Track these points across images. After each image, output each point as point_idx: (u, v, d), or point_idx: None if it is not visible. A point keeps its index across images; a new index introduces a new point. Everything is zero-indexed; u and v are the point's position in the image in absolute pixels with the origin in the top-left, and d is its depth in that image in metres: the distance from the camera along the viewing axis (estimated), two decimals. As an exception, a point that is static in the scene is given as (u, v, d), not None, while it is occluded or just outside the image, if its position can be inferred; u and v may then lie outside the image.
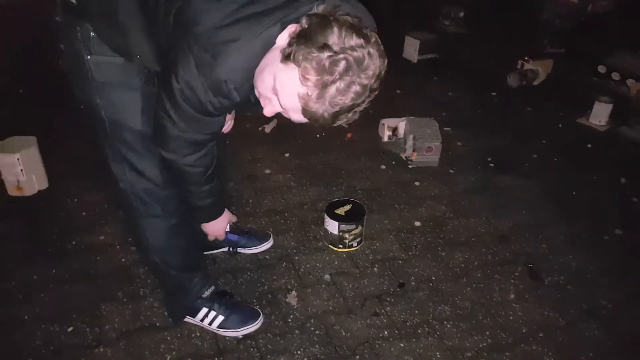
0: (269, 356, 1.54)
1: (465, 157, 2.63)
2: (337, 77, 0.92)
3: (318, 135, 2.71)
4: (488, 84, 3.44)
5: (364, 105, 0.99)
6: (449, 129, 2.85)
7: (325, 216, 1.93)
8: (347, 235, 1.92)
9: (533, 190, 2.38)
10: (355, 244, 1.96)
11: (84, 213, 2.11)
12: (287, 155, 2.53)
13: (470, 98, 3.27)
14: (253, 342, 1.58)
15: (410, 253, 1.97)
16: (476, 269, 1.91)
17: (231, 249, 1.88)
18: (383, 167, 2.50)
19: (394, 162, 2.53)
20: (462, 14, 4.52)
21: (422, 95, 3.27)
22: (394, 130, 2.62)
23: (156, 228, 1.43)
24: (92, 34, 1.15)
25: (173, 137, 1.19)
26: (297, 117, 1.00)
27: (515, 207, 2.26)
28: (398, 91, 3.27)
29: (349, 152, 2.60)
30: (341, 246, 1.94)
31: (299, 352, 1.56)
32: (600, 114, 3.01)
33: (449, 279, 1.86)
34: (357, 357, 1.55)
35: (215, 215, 1.48)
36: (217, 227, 1.52)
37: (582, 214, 2.24)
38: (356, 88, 0.94)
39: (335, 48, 0.91)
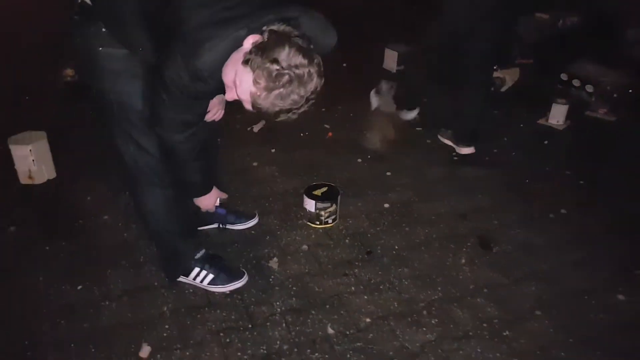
0: (252, 307, 1.82)
1: (433, 152, 2.93)
2: (280, 86, 1.21)
3: (302, 135, 3.03)
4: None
5: (301, 109, 1.28)
6: (420, 129, 3.17)
7: (304, 196, 2.23)
8: (323, 213, 2.21)
9: (491, 179, 2.68)
10: (330, 220, 2.25)
11: (88, 198, 2.40)
12: (273, 151, 2.83)
13: (442, 103, 3.59)
14: (239, 296, 1.86)
15: (378, 228, 2.26)
16: (434, 240, 2.20)
17: (221, 225, 2.17)
18: (359, 160, 2.80)
19: (369, 157, 2.84)
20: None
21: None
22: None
23: (155, 196, 1.71)
24: (103, 29, 1.46)
25: (166, 117, 1.49)
26: (248, 107, 1.30)
27: (475, 193, 2.56)
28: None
29: (329, 148, 2.91)
30: (318, 223, 2.23)
31: (277, 303, 1.84)
32: (557, 115, 3.34)
33: (410, 248, 2.15)
34: (327, 306, 1.83)
35: (204, 191, 1.77)
36: (207, 201, 1.81)
37: (533, 197, 2.54)
38: (294, 97, 1.23)
39: (283, 64, 1.20)
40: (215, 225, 2.18)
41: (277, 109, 1.25)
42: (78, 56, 1.58)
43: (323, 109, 3.32)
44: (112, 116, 1.59)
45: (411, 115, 3.23)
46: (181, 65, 1.33)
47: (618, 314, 1.88)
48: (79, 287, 1.89)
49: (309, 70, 1.23)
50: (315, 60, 1.26)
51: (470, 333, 1.76)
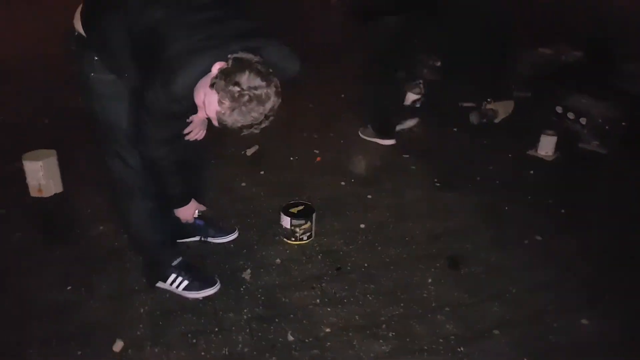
0: (221, 312, 1.94)
1: (417, 178, 3.04)
2: (242, 105, 1.38)
3: (292, 158, 3.19)
4: (451, 121, 3.89)
5: (262, 125, 1.46)
6: (407, 156, 3.29)
7: (281, 213, 2.36)
8: (298, 230, 2.34)
9: (470, 205, 2.76)
10: (305, 237, 2.37)
11: (88, 210, 2.59)
12: (262, 173, 2.99)
13: (432, 132, 3.72)
14: (210, 302, 1.99)
15: (351, 247, 2.37)
16: (404, 260, 2.30)
17: (202, 238, 2.32)
18: (343, 183, 2.94)
19: (353, 180, 2.97)
20: (438, 64, 5.06)
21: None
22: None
23: (137, 208, 1.88)
24: (95, 58, 1.66)
25: (148, 135, 1.67)
26: (215, 123, 1.48)
27: (452, 216, 2.65)
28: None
29: (316, 171, 3.06)
30: (293, 239, 2.36)
31: (245, 310, 1.96)
32: (546, 146, 3.42)
33: (380, 266, 2.25)
34: (291, 315, 1.94)
35: (183, 202, 1.93)
36: (186, 212, 1.97)
37: (510, 223, 2.61)
38: (254, 115, 1.41)
39: (244, 86, 1.38)
40: (196, 238, 2.33)
41: (239, 124, 1.42)
42: (78, 82, 1.78)
43: (315, 136, 3.49)
44: (102, 135, 1.78)
45: (388, 141, 3.39)
46: (159, 89, 1.52)
47: (579, 338, 1.92)
48: (68, 288, 2.05)
49: (267, 92, 1.41)
50: (273, 83, 1.43)
51: (425, 347, 1.83)
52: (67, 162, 2.84)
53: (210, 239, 2.33)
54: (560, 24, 5.50)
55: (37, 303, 1.99)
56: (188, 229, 2.25)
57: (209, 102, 1.43)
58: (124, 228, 2.08)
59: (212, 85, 1.41)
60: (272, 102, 1.43)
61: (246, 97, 1.38)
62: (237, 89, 1.37)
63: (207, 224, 2.31)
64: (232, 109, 1.39)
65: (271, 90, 1.42)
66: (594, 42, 4.96)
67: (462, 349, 1.83)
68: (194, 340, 1.81)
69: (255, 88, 1.39)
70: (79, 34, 1.67)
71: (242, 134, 1.46)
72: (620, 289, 2.16)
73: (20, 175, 2.72)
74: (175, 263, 2.00)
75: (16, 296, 2.04)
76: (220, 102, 1.40)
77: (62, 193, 2.75)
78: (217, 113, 1.42)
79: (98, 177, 2.69)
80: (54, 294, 2.03)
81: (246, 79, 1.38)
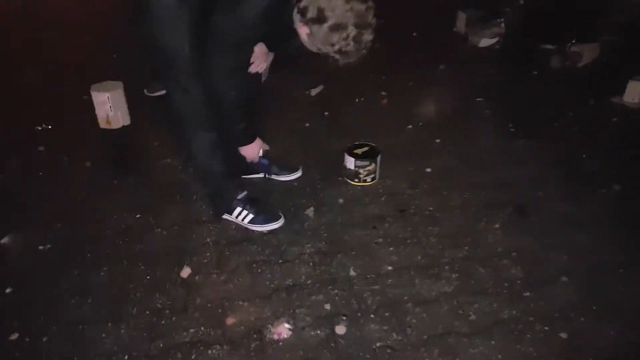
0: (284, 245, 1.99)
1: (490, 123, 2.90)
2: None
3: (357, 100, 3.13)
4: (532, 63, 3.64)
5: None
6: (481, 99, 3.13)
7: (345, 154, 2.34)
8: (361, 171, 2.32)
9: (545, 152, 2.61)
10: (369, 179, 2.35)
11: (155, 144, 2.70)
12: (326, 114, 2.96)
13: (511, 75, 3.50)
14: (275, 236, 2.04)
15: (416, 190, 2.33)
16: (471, 205, 2.23)
17: (266, 175, 2.36)
18: (410, 126, 2.86)
19: (420, 124, 2.88)
20: (522, 1, 4.69)
21: (466, 69, 3.58)
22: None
23: (199, 138, 1.91)
24: None
25: (216, 65, 1.71)
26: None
27: (524, 164, 2.52)
28: (441, 66, 3.60)
29: (381, 114, 2.99)
30: (357, 180, 2.35)
31: (308, 245, 2.00)
32: (633, 92, 3.13)
33: (444, 210, 2.19)
34: (353, 252, 1.96)
35: (248, 140, 1.96)
36: (251, 151, 2.00)
37: (585, 173, 2.44)
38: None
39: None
40: (261, 175, 2.38)
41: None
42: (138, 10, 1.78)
43: (383, 77, 3.39)
44: (164, 64, 1.78)
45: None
46: (231, 14, 1.50)
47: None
48: (137, 216, 2.17)
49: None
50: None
51: (490, 290, 1.79)
52: (135, 96, 2.94)
53: (274, 177, 2.37)
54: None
55: (109, 226, 2.11)
56: (252, 166, 2.31)
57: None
58: (188, 159, 2.12)
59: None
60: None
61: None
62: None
63: (271, 162, 2.34)
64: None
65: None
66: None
67: (528, 293, 1.78)
68: (259, 270, 1.88)
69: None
70: None
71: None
72: None
73: (90, 107, 2.85)
74: (240, 196, 2.06)
75: (88, 218, 2.17)
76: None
77: (130, 126, 2.88)
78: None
79: (165, 110, 2.82)
80: (124, 218, 2.16)
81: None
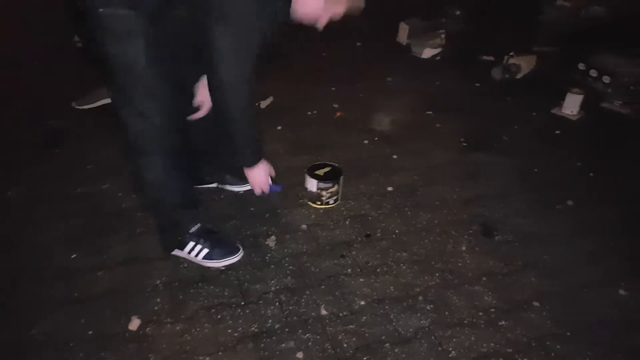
0: (246, 284, 1.81)
1: (442, 137, 2.87)
2: None
3: (309, 113, 2.98)
4: (473, 76, 3.69)
5: None
6: (431, 112, 3.10)
7: (306, 175, 2.19)
8: (324, 193, 2.18)
9: (499, 167, 2.61)
10: (331, 201, 2.22)
11: (89, 166, 2.41)
12: (279, 128, 2.80)
13: (455, 86, 3.52)
14: (233, 273, 1.85)
15: (379, 212, 2.23)
16: (436, 226, 2.17)
17: (219, 185, 2.23)
18: (366, 141, 2.76)
19: (376, 138, 2.79)
20: (458, 12, 4.77)
21: (412, 81, 3.55)
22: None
23: (155, 165, 1.68)
24: None
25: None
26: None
27: (481, 179, 2.51)
28: (389, 79, 3.54)
29: (337, 128, 2.87)
30: (319, 203, 2.21)
31: (272, 281, 1.82)
32: (571, 105, 3.24)
33: (411, 233, 2.11)
34: (322, 287, 1.81)
35: (261, 153, 1.77)
36: (264, 175, 1.81)
37: (540, 187, 2.47)
38: None
39: None
40: (214, 185, 2.23)
41: None
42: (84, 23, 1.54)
43: (333, 88, 3.27)
44: (117, 83, 1.55)
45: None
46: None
47: (619, 309, 1.83)
48: (73, 256, 1.89)
49: None
50: None
51: (465, 321, 1.73)
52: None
53: (227, 187, 2.23)
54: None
55: (42, 270, 1.83)
56: (204, 175, 2.19)
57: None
58: (140, 187, 1.87)
59: None
60: None
61: None
62: None
63: (225, 171, 2.22)
64: None
65: None
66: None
67: (503, 322, 1.73)
68: (219, 316, 1.68)
69: None
70: None
71: None
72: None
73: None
74: (193, 230, 1.85)
75: (16, 262, 1.87)
76: None
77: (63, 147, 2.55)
78: None
79: (98, 126, 2.53)
80: (62, 259, 1.87)
81: None
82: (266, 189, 1.86)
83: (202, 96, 1.83)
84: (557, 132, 3.04)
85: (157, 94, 1.54)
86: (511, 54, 3.81)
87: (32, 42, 3.74)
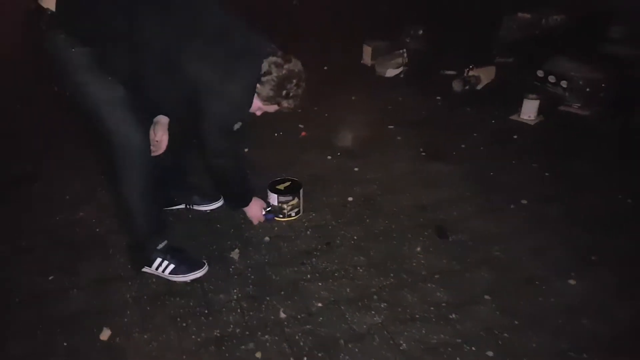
0: (210, 294, 1.92)
1: (402, 149, 3.02)
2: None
3: (275, 134, 3.13)
4: (435, 90, 3.86)
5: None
6: (392, 126, 3.26)
7: (268, 191, 2.32)
8: (285, 206, 2.31)
9: (456, 173, 2.75)
10: (293, 214, 2.34)
11: (67, 196, 2.53)
12: (246, 150, 2.93)
13: (417, 101, 3.69)
14: (199, 285, 1.96)
15: (340, 221, 2.35)
16: (393, 231, 2.29)
17: (187, 206, 2.37)
18: (329, 157, 2.90)
19: (339, 154, 2.93)
20: (421, 32, 4.99)
21: (376, 99, 3.72)
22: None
23: (132, 183, 1.82)
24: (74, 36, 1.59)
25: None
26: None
27: (438, 186, 2.64)
28: (353, 97, 3.71)
29: (301, 147, 3.01)
30: (281, 216, 2.33)
31: (235, 290, 1.93)
32: (529, 110, 3.41)
33: (369, 239, 2.23)
34: (282, 293, 1.92)
35: (253, 194, 2.22)
36: (256, 209, 2.24)
37: (495, 190, 2.61)
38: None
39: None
40: (182, 206, 2.37)
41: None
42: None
43: (299, 110, 3.41)
44: (96, 112, 1.69)
45: None
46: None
47: (566, 297, 1.94)
48: (50, 277, 1.99)
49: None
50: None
51: (417, 316, 1.83)
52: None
53: (195, 207, 2.36)
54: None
55: (19, 292, 1.93)
56: (173, 197, 2.32)
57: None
58: (120, 198, 1.98)
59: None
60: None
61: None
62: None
63: (192, 191, 2.36)
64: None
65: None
66: (578, 5, 4.94)
67: (454, 315, 1.84)
68: (184, 324, 1.78)
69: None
70: (50, 11, 1.58)
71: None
72: (606, 248, 2.18)
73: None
74: (160, 247, 1.96)
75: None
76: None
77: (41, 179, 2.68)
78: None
79: (76, 162, 2.66)
80: (36, 282, 1.98)
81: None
82: (261, 219, 2.28)
83: (159, 136, 2.00)
84: (515, 136, 3.20)
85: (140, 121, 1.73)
86: (471, 66, 4.00)
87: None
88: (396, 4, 5.29)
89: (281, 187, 2.33)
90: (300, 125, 3.23)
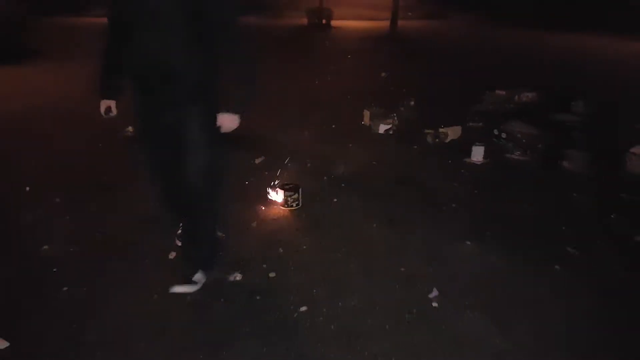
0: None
1: (376, 176, 4.22)
2: None
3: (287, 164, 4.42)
4: (413, 142, 5.12)
5: None
6: (375, 163, 4.50)
7: (277, 188, 3.56)
8: (289, 199, 3.52)
9: (410, 194, 3.93)
10: (294, 205, 3.55)
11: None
12: (266, 173, 4.19)
13: (396, 149, 4.94)
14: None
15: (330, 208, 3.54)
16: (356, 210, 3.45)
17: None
18: (325, 178, 4.13)
19: (332, 176, 4.16)
20: (412, 102, 6.37)
21: (368, 147, 5.00)
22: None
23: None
24: None
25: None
26: None
27: (395, 204, 3.81)
28: (350, 145, 5.01)
29: (304, 171, 4.27)
30: (286, 206, 3.54)
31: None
32: (477, 154, 4.61)
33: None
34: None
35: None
36: (231, 119, 2.31)
37: (441, 222, 3.75)
38: None
39: None
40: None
41: None
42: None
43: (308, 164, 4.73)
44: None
45: None
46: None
47: (469, 262, 3.03)
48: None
49: None
50: None
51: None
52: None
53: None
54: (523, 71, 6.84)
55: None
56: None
57: None
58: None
59: None
60: None
61: None
62: None
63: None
64: None
65: None
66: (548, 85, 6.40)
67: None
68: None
69: None
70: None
71: None
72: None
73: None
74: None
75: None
76: None
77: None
78: None
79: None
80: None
81: None
82: (232, 127, 2.36)
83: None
84: (462, 171, 4.37)
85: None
86: (442, 125, 5.28)
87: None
88: (395, 82, 6.75)
89: (286, 187, 3.57)
90: (308, 164, 4.51)
